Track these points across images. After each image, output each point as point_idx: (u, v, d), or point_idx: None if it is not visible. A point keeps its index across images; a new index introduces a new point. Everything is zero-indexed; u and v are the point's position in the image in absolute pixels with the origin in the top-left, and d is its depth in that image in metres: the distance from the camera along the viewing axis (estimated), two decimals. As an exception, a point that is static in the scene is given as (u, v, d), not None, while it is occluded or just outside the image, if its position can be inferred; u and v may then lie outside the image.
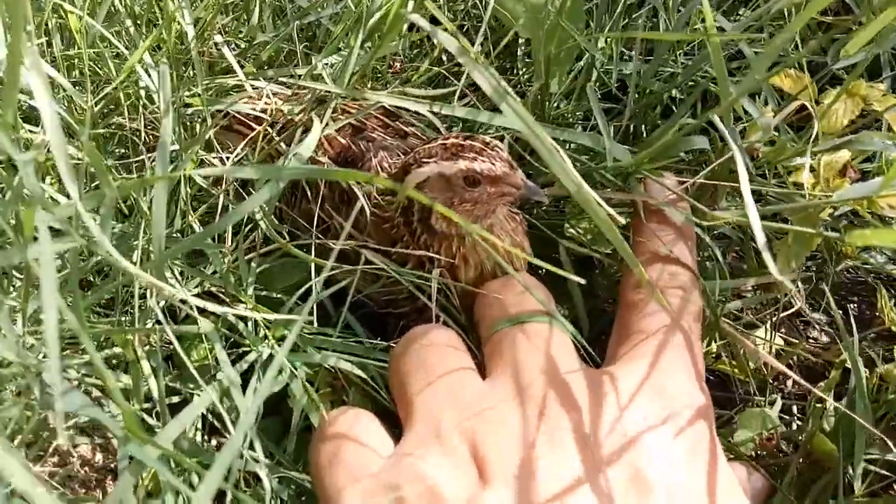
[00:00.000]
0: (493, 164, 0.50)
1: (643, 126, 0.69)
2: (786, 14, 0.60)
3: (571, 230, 0.66)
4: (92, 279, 0.57)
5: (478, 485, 0.40)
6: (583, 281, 0.39)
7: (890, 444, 0.47)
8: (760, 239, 0.36)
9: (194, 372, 0.42)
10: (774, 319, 0.64)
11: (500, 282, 0.53)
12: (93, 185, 0.52)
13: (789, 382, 0.67)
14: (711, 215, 0.46)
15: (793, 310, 0.65)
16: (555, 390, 0.43)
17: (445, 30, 0.43)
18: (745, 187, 0.39)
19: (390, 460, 0.44)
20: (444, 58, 0.75)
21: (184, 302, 0.41)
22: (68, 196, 0.35)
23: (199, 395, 0.53)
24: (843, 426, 0.51)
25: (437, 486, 0.40)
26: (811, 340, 0.74)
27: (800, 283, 0.64)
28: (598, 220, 0.36)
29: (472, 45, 0.63)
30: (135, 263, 0.47)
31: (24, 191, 0.35)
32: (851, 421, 0.49)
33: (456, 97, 0.53)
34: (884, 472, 0.51)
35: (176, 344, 0.42)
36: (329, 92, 0.50)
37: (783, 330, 0.71)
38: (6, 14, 0.35)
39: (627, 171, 0.53)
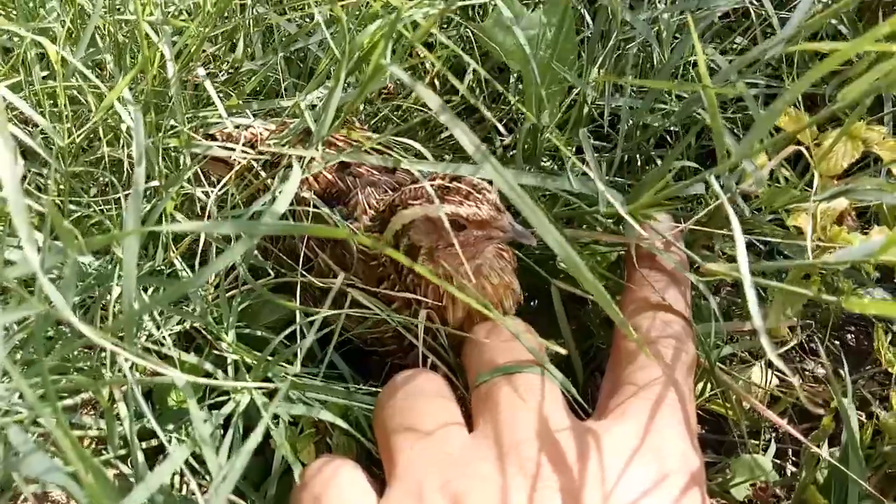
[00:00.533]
0: (479, 208, 0.48)
1: (637, 156, 0.68)
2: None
3: (563, 264, 0.65)
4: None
5: None
6: (567, 347, 0.37)
7: (886, 501, 0.45)
8: (753, 308, 0.35)
9: (160, 431, 0.41)
10: (769, 357, 0.63)
11: (488, 327, 0.52)
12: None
13: (785, 420, 0.66)
14: (706, 269, 0.45)
15: (789, 346, 0.64)
16: (543, 451, 0.42)
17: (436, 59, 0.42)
18: (741, 246, 0.37)
19: None
20: (437, 83, 0.74)
21: (158, 354, 0.40)
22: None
23: (177, 439, 0.51)
24: (836, 478, 0.49)
25: None
26: (807, 372, 0.73)
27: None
28: (584, 282, 0.34)
29: (462, 78, 0.62)
30: (102, 318, 0.46)
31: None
32: (844, 472, 0.48)
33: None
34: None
35: (142, 402, 0.41)
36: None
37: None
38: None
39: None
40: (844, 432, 0.49)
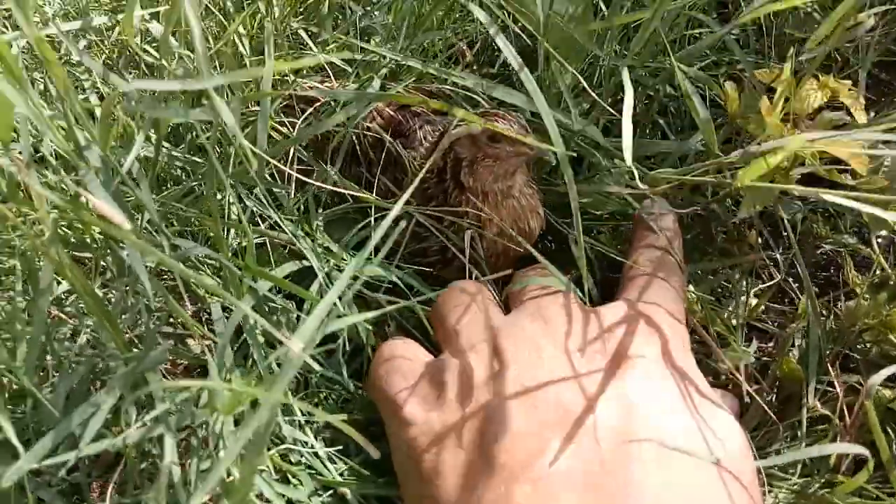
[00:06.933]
0: (511, 126, 0.61)
1: (644, 122, 0.81)
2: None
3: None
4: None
5: (497, 371, 0.52)
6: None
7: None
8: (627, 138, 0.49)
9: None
10: (753, 290, 0.74)
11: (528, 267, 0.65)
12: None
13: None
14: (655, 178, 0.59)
15: (773, 282, 0.75)
16: (560, 314, 0.56)
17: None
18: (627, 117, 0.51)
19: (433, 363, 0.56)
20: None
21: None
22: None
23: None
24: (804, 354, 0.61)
25: (469, 372, 0.53)
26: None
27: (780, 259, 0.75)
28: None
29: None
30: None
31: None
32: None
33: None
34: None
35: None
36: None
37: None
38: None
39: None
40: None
